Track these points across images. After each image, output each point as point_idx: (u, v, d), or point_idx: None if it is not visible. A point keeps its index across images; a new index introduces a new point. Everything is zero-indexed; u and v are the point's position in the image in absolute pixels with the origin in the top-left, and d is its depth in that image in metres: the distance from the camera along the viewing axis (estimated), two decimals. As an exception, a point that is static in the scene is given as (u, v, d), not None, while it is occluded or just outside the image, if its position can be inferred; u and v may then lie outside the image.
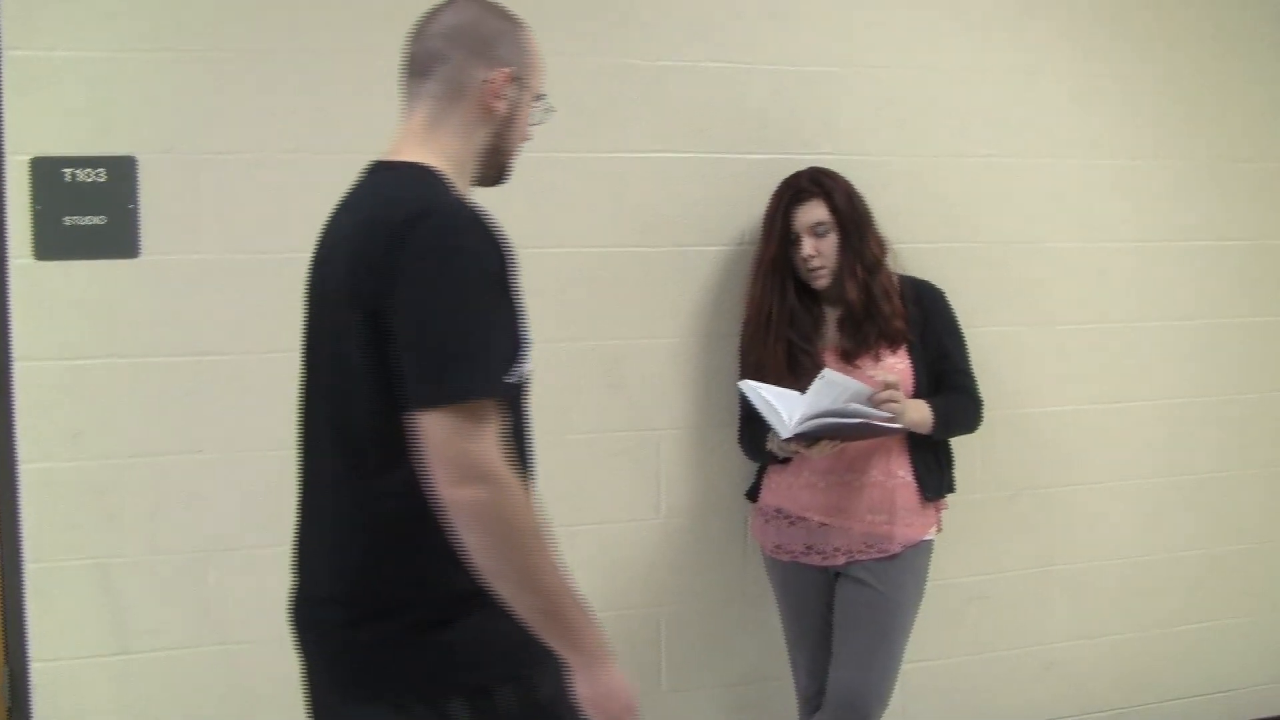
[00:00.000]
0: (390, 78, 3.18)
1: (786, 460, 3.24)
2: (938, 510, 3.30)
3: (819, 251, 3.22)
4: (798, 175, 3.31)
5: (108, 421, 3.11)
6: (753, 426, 3.23)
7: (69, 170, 3.04)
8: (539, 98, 2.18)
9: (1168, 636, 4.15)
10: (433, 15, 2.14)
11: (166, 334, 3.13)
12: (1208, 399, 4.13)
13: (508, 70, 2.09)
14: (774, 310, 3.26)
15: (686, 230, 3.51)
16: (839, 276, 3.23)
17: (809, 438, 2.98)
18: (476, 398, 1.82)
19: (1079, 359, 3.95)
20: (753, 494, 3.41)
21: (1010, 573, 3.92)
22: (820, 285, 3.25)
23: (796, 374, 3.15)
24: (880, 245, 3.28)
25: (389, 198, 1.98)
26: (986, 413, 3.32)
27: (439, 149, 2.06)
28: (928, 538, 3.26)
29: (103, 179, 3.06)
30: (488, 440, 1.82)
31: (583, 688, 1.92)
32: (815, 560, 3.24)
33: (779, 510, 3.30)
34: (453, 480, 1.80)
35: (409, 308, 1.84)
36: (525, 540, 1.84)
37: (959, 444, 3.34)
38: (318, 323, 2.07)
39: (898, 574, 3.20)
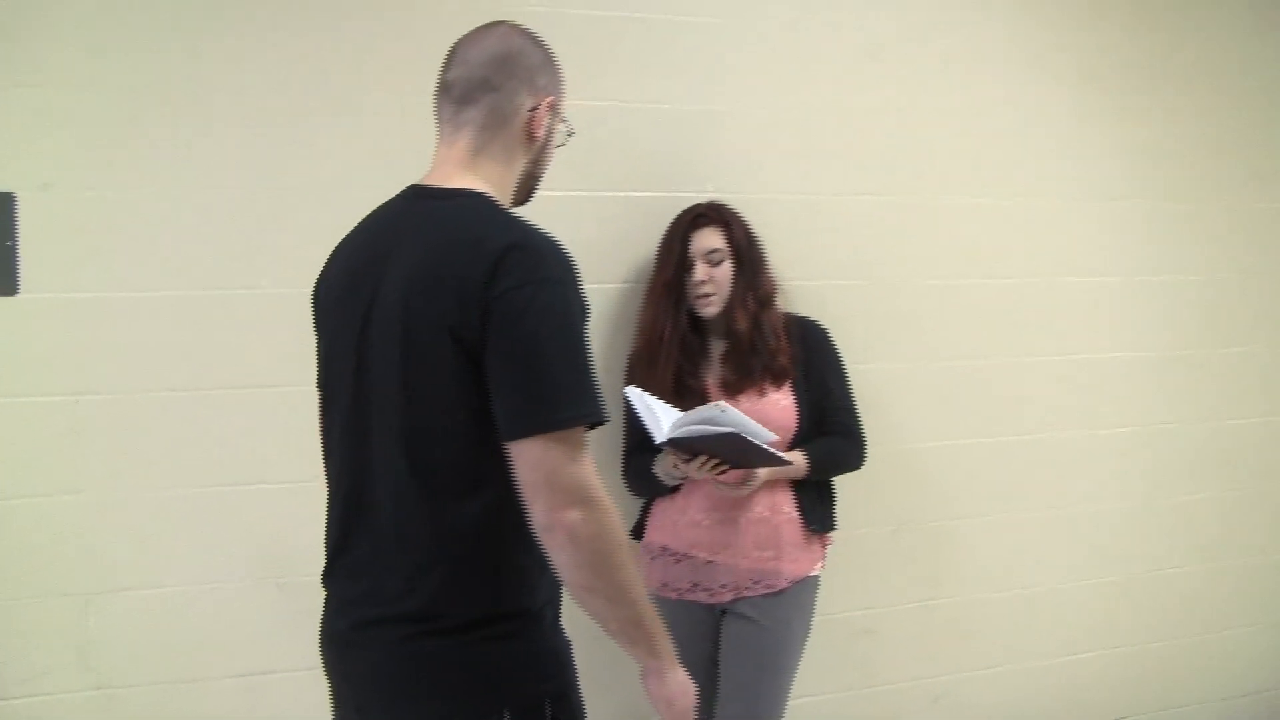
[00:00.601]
0: (271, 116, 3.22)
1: (676, 489, 3.26)
2: (823, 545, 3.34)
3: (711, 278, 3.25)
4: (698, 204, 3.36)
5: (-17, 462, 3.05)
6: (638, 458, 3.25)
7: (-55, 207, 2.99)
8: (562, 121, 2.23)
9: (1052, 668, 4.22)
10: (473, 42, 2.14)
11: (45, 373, 3.07)
12: (1086, 433, 4.22)
13: (550, 99, 2.15)
14: (666, 334, 3.27)
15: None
16: (729, 307, 3.26)
17: (684, 446, 2.99)
18: (582, 424, 1.90)
19: (960, 395, 4.01)
20: (637, 532, 3.37)
21: (896, 606, 3.96)
22: (708, 313, 3.28)
23: (682, 398, 3.17)
24: (772, 284, 3.33)
25: (468, 225, 1.99)
26: (870, 449, 3.38)
27: (485, 175, 2.10)
28: (814, 573, 3.30)
29: (-20, 215, 3.01)
30: (589, 464, 1.91)
31: (656, 687, 2.07)
32: (702, 597, 3.26)
33: (665, 548, 3.30)
34: (559, 504, 1.87)
35: (514, 338, 1.88)
36: (619, 556, 1.93)
37: (842, 480, 3.39)
38: (370, 350, 2.03)
39: (784, 610, 3.23)
